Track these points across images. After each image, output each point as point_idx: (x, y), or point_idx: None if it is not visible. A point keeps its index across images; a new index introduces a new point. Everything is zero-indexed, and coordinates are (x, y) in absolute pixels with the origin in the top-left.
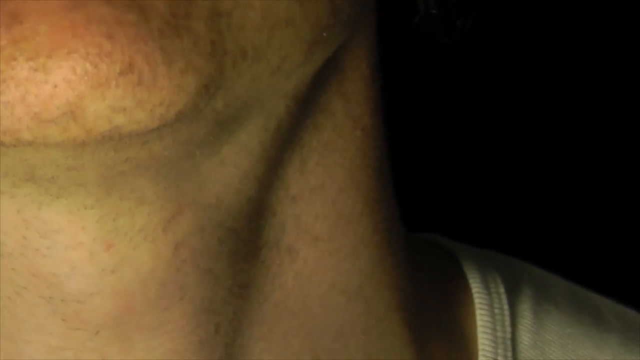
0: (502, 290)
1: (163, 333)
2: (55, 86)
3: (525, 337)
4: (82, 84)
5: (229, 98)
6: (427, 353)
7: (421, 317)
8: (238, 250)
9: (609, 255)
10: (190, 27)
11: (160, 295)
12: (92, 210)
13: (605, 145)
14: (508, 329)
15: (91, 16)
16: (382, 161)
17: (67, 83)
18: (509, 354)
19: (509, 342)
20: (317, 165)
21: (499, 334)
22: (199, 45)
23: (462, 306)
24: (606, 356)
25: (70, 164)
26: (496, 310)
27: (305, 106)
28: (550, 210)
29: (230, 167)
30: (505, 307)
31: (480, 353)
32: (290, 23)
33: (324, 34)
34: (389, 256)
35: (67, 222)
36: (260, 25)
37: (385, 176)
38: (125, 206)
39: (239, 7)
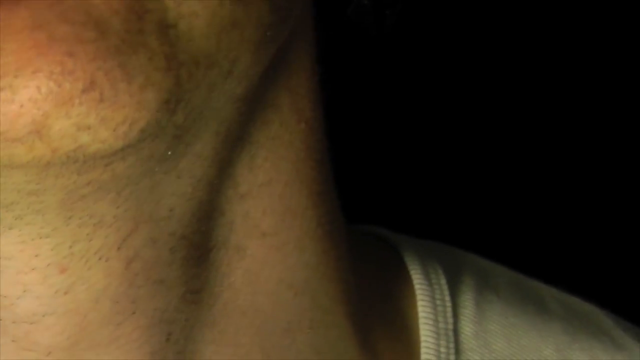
0: (443, 281)
1: (115, 348)
2: (22, 105)
3: (467, 327)
4: (47, 103)
5: (188, 110)
6: (371, 345)
7: (364, 309)
8: (190, 257)
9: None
10: (145, 42)
11: (113, 311)
12: (47, 239)
13: (578, 145)
14: (450, 320)
15: (53, 34)
16: (323, 153)
17: (33, 102)
18: (452, 344)
19: (451, 333)
20: (265, 161)
21: (441, 325)
22: (154, 60)
23: (403, 297)
24: (549, 345)
25: (32, 188)
26: (438, 302)
27: (255, 103)
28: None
29: (186, 178)
30: (447, 298)
31: (422, 344)
32: (236, 26)
33: (268, 33)
34: (333, 249)
35: (18, 252)
36: (207, 32)
37: (327, 168)
38: (84, 232)
39: (182, 17)
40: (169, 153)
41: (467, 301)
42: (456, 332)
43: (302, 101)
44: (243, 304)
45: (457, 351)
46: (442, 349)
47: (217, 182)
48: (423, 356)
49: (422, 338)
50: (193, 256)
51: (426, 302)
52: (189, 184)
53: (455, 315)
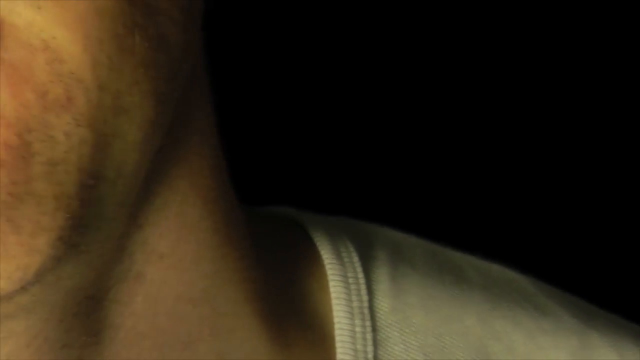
0: (355, 258)
1: None
2: None
3: (383, 303)
4: None
5: (83, 228)
6: (282, 338)
7: (274, 301)
8: (91, 308)
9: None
10: (32, 189)
11: None
12: None
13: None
14: (365, 298)
15: None
16: (217, 157)
17: None
18: (368, 322)
19: (366, 311)
20: (160, 185)
21: (355, 303)
22: (42, 205)
23: (314, 280)
24: (471, 314)
25: None
26: (350, 280)
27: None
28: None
29: (94, 259)
30: (360, 275)
31: (336, 326)
32: (117, 135)
33: (156, 121)
34: (232, 251)
35: None
36: (93, 154)
37: (220, 170)
38: None
39: (72, 149)
40: (72, 267)
41: (382, 276)
42: (372, 309)
43: (195, 112)
44: (144, 328)
45: (374, 329)
46: (358, 329)
47: (116, 233)
48: (337, 338)
49: (335, 319)
50: (92, 306)
51: (337, 282)
52: (94, 258)
53: (370, 292)
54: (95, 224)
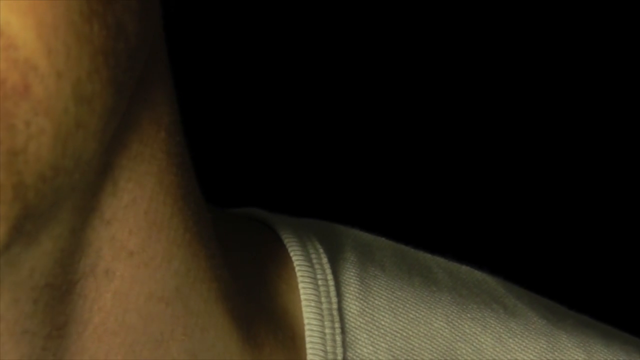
0: (325, 259)
1: None
2: None
3: (352, 305)
4: None
5: (37, 215)
6: (253, 337)
7: (244, 301)
8: (53, 298)
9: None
10: None
11: None
12: None
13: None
14: (334, 299)
15: None
16: (183, 155)
17: None
18: (337, 324)
19: (335, 313)
20: (128, 182)
21: (325, 305)
22: (2, 194)
23: (283, 281)
24: (439, 316)
25: None
26: (320, 282)
27: (112, 137)
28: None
29: (46, 242)
30: (330, 277)
31: (306, 327)
32: (80, 125)
33: (114, 111)
34: (202, 249)
35: None
36: (54, 145)
37: (187, 168)
38: None
39: (32, 138)
40: (23, 249)
41: (351, 278)
42: (341, 311)
43: (160, 109)
44: (114, 326)
45: (344, 331)
46: (327, 330)
47: (79, 225)
48: (307, 339)
49: (306, 321)
50: (56, 296)
51: (307, 284)
52: (49, 244)
53: (340, 294)
54: (50, 213)
